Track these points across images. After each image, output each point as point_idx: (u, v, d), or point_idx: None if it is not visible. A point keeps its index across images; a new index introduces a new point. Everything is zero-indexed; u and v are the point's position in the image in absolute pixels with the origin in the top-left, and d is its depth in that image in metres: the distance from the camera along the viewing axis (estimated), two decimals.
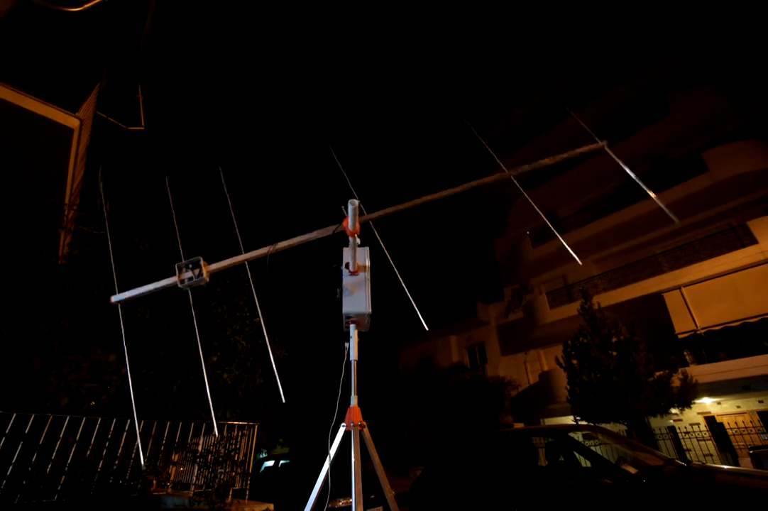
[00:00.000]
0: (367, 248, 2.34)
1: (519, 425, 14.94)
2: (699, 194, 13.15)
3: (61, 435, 3.76)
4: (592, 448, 4.16)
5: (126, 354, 2.26)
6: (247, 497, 4.60)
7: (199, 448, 4.69)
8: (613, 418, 9.26)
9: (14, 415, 3.56)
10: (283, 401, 2.14)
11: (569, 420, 11.74)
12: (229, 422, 5.01)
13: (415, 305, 2.40)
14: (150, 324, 5.22)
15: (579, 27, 19.44)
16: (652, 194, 2.12)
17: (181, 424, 4.69)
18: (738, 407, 11.60)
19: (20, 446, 3.52)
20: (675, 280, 12.75)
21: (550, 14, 21.57)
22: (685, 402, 9.29)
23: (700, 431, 10.98)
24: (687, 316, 12.20)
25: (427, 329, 2.48)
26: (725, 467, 5.13)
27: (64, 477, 3.67)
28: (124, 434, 4.17)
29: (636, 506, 2.99)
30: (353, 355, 2.11)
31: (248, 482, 4.73)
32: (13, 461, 3.45)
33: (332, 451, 1.87)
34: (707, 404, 11.96)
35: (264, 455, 15.86)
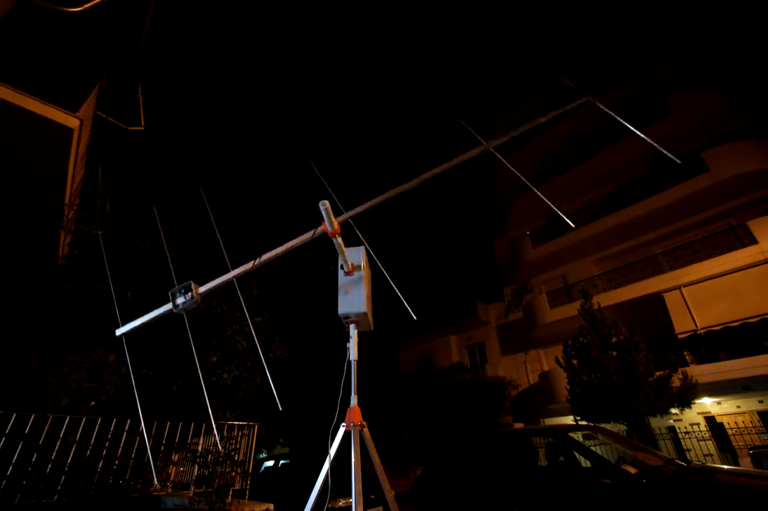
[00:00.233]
0: (362, 247, 2.34)
1: (519, 425, 14.94)
2: (699, 194, 13.15)
3: (61, 435, 3.76)
4: (592, 448, 4.16)
5: (127, 354, 2.26)
6: (247, 497, 4.60)
7: (199, 448, 4.69)
8: (613, 418, 9.26)
9: (14, 415, 3.56)
10: (280, 408, 2.15)
11: (569, 420, 11.74)
12: (229, 422, 5.01)
13: (400, 295, 2.41)
14: (150, 324, 5.21)
15: (579, 27, 19.44)
16: (639, 132, 2.04)
17: (181, 424, 4.69)
18: (738, 407, 11.60)
19: (20, 446, 3.52)
20: (675, 280, 12.75)
21: (550, 14, 21.56)
22: (685, 402, 9.29)
23: (700, 431, 10.98)
24: (687, 316, 12.20)
25: (415, 318, 2.48)
26: (725, 467, 5.13)
27: (64, 477, 3.67)
28: (124, 434, 4.17)
29: (636, 506, 2.99)
30: (353, 355, 2.11)
31: (248, 482, 4.73)
32: (13, 461, 3.45)
33: (332, 451, 1.87)
34: (707, 404, 11.96)
35: (264, 455, 15.86)
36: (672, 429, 11.91)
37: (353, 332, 2.19)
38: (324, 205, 1.96)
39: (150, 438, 4.36)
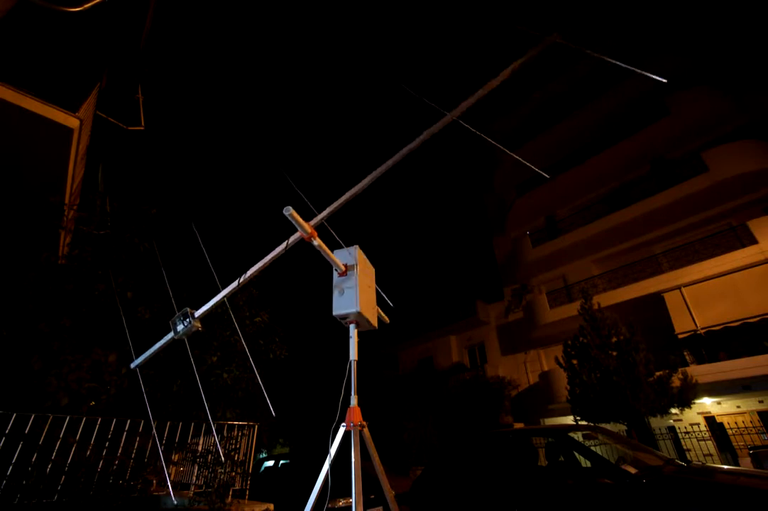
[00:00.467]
0: (355, 247, 2.34)
1: (519, 425, 14.93)
2: (699, 194, 13.15)
3: (61, 435, 3.76)
4: (592, 448, 4.16)
5: (141, 382, 2.26)
6: (247, 497, 4.60)
7: (199, 448, 4.69)
8: (613, 418, 9.26)
9: (14, 415, 3.56)
10: (273, 414, 2.18)
11: (569, 420, 11.73)
12: (229, 422, 5.01)
13: (380, 291, 2.42)
14: (150, 324, 5.21)
15: (579, 27, 19.44)
16: (614, 61, 1.96)
17: (181, 424, 4.69)
18: (738, 407, 11.60)
19: (20, 446, 3.52)
20: (675, 280, 12.75)
21: (550, 14, 21.57)
22: (685, 402, 9.28)
23: (700, 431, 10.98)
24: (687, 316, 12.20)
25: (391, 304, 2.50)
26: (725, 467, 5.13)
27: (64, 477, 3.67)
28: (124, 434, 4.17)
29: (636, 506, 2.99)
30: (353, 355, 2.11)
31: (248, 482, 4.73)
32: (13, 461, 3.45)
33: (332, 450, 1.87)
34: (707, 404, 11.96)
35: (264, 455, 15.86)
36: (672, 429, 11.91)
37: (353, 332, 2.19)
38: (288, 212, 1.93)
39: (150, 438, 4.36)
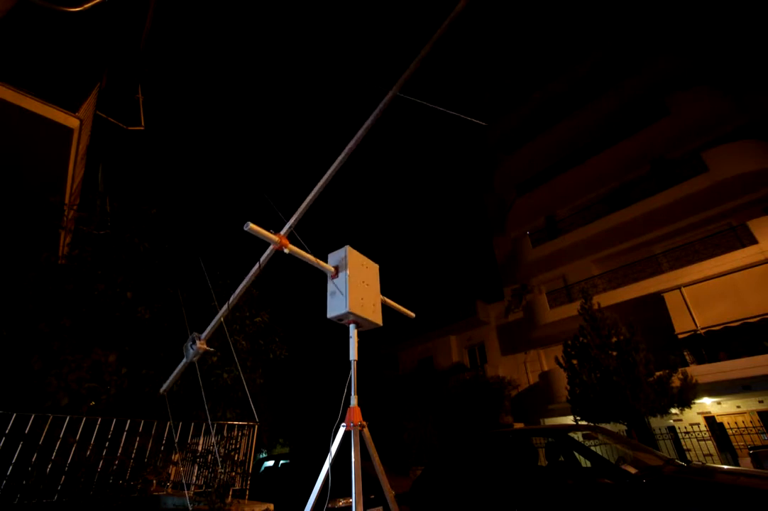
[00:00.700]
0: (345, 248, 2.35)
1: (519, 425, 14.93)
2: (699, 194, 13.15)
3: (61, 435, 3.75)
4: (592, 448, 4.16)
5: (169, 411, 2.27)
6: (247, 497, 4.60)
7: (199, 448, 4.69)
8: (613, 418, 9.26)
9: (14, 415, 3.56)
10: (257, 420, 2.27)
11: (569, 420, 11.73)
12: (229, 422, 5.01)
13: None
14: (150, 324, 5.22)
15: (579, 27, 19.44)
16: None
17: (181, 424, 4.69)
18: (738, 407, 11.60)
19: (20, 446, 3.52)
20: (675, 280, 12.75)
21: (550, 15, 21.57)
22: (685, 402, 9.28)
23: (700, 431, 10.98)
24: (687, 316, 12.20)
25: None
26: (725, 467, 5.13)
27: (64, 477, 3.67)
28: (124, 434, 4.17)
29: (636, 506, 2.99)
30: (353, 355, 2.11)
31: (248, 482, 4.73)
32: (13, 461, 3.45)
33: (332, 450, 1.88)
34: (707, 404, 11.96)
35: (264, 455, 15.86)
36: (672, 429, 11.91)
37: (353, 332, 2.19)
38: (247, 227, 1.97)
39: (150, 438, 4.36)
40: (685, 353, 12.02)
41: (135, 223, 5.40)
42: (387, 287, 2.53)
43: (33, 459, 3.56)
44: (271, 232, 2.08)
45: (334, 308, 2.16)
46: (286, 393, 17.42)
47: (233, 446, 4.59)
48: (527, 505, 3.55)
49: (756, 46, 13.67)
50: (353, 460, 1.79)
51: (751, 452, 9.21)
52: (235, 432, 4.94)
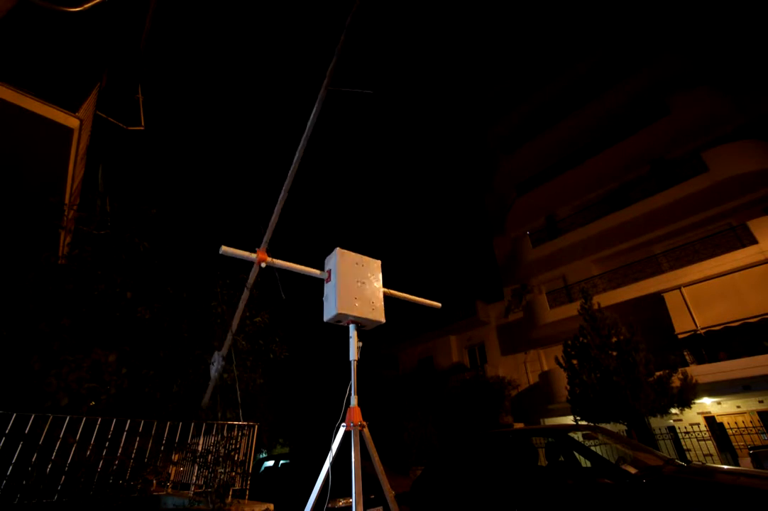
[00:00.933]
0: (335, 250, 2.37)
1: (519, 425, 14.93)
2: (699, 194, 13.15)
3: (61, 435, 3.75)
4: (592, 448, 4.16)
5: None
6: (247, 497, 4.59)
7: (199, 448, 4.68)
8: (613, 418, 9.26)
9: (14, 415, 3.56)
10: (241, 420, 2.34)
11: (569, 420, 11.73)
12: (229, 422, 5.01)
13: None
14: (150, 324, 5.22)
15: (580, 27, 19.44)
16: None
17: (181, 424, 4.68)
18: (738, 407, 11.60)
19: (20, 446, 3.52)
20: (675, 280, 12.75)
21: (551, 15, 21.57)
22: (685, 402, 9.28)
23: (700, 431, 10.98)
24: (687, 316, 12.20)
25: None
26: (725, 467, 5.13)
27: (64, 477, 3.66)
28: (124, 434, 4.16)
29: (636, 506, 2.99)
30: (353, 355, 2.11)
31: (248, 482, 4.72)
32: (13, 461, 3.45)
33: (332, 449, 1.88)
34: (707, 404, 11.96)
35: (264, 455, 15.86)
36: (672, 429, 11.91)
37: (353, 332, 2.19)
38: (222, 252, 2.10)
39: (150, 438, 4.36)
40: (685, 353, 12.02)
41: (135, 223, 5.40)
42: (387, 287, 2.52)
43: (33, 459, 3.56)
44: (249, 252, 2.14)
45: (327, 312, 2.18)
46: (287, 393, 17.42)
47: (233, 446, 4.59)
48: (527, 505, 3.55)
49: (756, 47, 13.67)
50: (353, 460, 1.79)
51: (751, 452, 9.20)
52: (235, 432, 4.93)
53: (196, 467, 4.51)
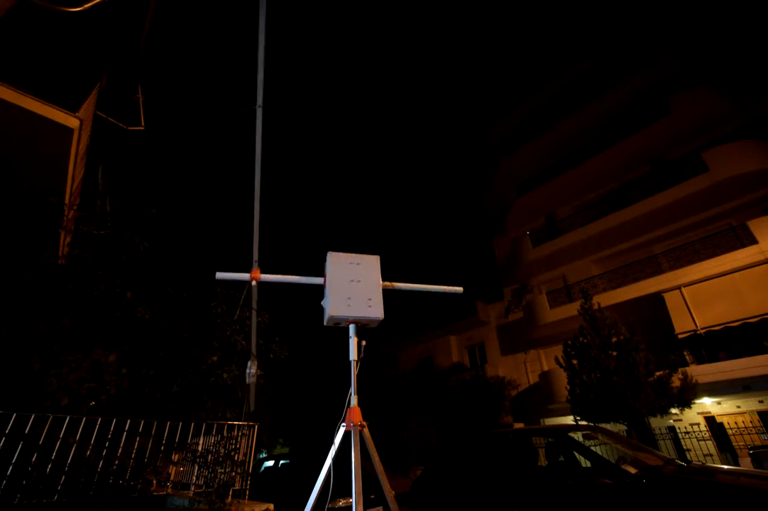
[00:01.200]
0: (328, 256, 2.38)
1: (519, 425, 14.93)
2: (699, 194, 13.15)
3: (61, 435, 3.75)
4: (592, 448, 4.16)
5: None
6: (247, 497, 4.60)
7: (199, 448, 4.68)
8: (613, 418, 9.26)
9: (14, 415, 3.56)
10: (242, 419, 2.42)
11: (569, 420, 11.73)
12: (229, 422, 5.01)
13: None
14: (150, 324, 5.22)
15: (580, 27, 19.44)
16: None
17: (181, 424, 4.68)
18: (738, 407, 11.60)
19: (20, 446, 3.52)
20: (675, 280, 12.75)
21: (550, 15, 21.57)
22: (685, 402, 9.28)
23: (700, 431, 10.98)
24: (687, 316, 12.20)
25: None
26: (725, 467, 5.13)
27: (64, 477, 3.66)
28: (124, 434, 4.17)
29: (636, 506, 2.99)
30: (353, 355, 2.11)
31: (248, 482, 4.73)
32: (13, 461, 3.45)
33: (332, 450, 1.88)
34: (707, 404, 11.96)
35: (264, 455, 15.86)
36: (672, 429, 11.91)
37: (353, 332, 2.19)
38: (218, 277, 2.30)
39: (150, 438, 4.36)
40: (685, 353, 12.03)
41: (135, 223, 5.40)
42: (387, 289, 2.51)
43: (33, 459, 3.56)
44: (243, 273, 2.31)
45: (325, 315, 2.20)
46: (287, 393, 17.42)
47: (233, 446, 4.59)
48: (527, 505, 3.55)
49: (756, 47, 13.66)
50: (353, 460, 1.79)
51: (751, 452, 9.21)
52: (235, 432, 4.93)
53: (196, 467, 4.52)
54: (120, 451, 4.10)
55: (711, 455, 10.84)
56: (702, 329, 11.80)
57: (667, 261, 13.62)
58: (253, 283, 2.33)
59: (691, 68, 15.23)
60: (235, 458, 4.52)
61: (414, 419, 14.41)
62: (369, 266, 2.40)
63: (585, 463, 3.98)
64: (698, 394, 10.04)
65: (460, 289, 2.57)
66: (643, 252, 15.00)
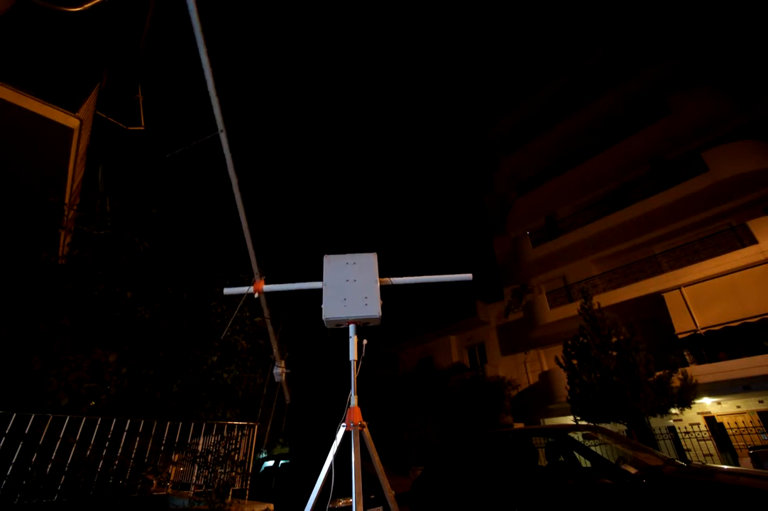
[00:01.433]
0: (324, 259, 2.41)
1: (519, 425, 14.93)
2: (699, 194, 13.15)
3: (61, 435, 3.76)
4: (592, 448, 4.16)
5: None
6: (247, 497, 4.60)
7: (199, 448, 4.69)
8: (613, 418, 9.25)
9: (14, 415, 3.56)
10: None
11: (569, 420, 11.73)
12: (229, 422, 5.01)
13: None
14: (150, 324, 5.22)
15: (580, 27, 19.44)
16: None
17: (181, 424, 4.68)
18: (738, 407, 11.60)
19: (20, 446, 3.52)
20: (675, 280, 12.75)
21: (550, 15, 21.57)
22: (685, 402, 9.28)
23: (700, 431, 10.98)
24: (687, 316, 12.20)
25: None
26: (725, 467, 5.13)
27: (64, 477, 3.67)
28: (124, 434, 4.17)
29: (636, 506, 2.99)
30: (353, 355, 2.11)
31: (248, 482, 4.73)
32: (13, 461, 3.45)
33: (332, 450, 1.88)
34: (707, 404, 11.96)
35: (264, 455, 15.87)
36: (672, 429, 11.91)
37: (353, 332, 2.19)
38: (226, 292, 2.51)
39: (150, 438, 4.36)
40: (685, 353, 12.02)
41: (135, 223, 5.40)
42: (387, 287, 2.51)
43: (33, 459, 3.56)
44: (248, 284, 2.44)
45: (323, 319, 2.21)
46: (288, 393, 17.39)
47: (233, 446, 4.59)
48: (527, 505, 3.55)
49: (756, 47, 13.67)
50: (353, 460, 1.79)
51: (751, 452, 9.21)
52: (235, 432, 4.94)
53: (196, 467, 4.52)
54: (120, 451, 4.10)
55: (711, 455, 10.84)
56: (702, 329, 11.80)
57: (667, 261, 13.62)
58: (256, 295, 2.42)
59: (692, 68, 15.22)
60: (235, 458, 4.52)
61: (414, 419, 14.40)
62: (365, 264, 2.39)
63: (585, 463, 3.98)
64: (698, 394, 10.03)
65: (469, 275, 2.49)
66: (643, 252, 14.99)
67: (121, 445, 4.13)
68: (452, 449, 5.09)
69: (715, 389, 11.04)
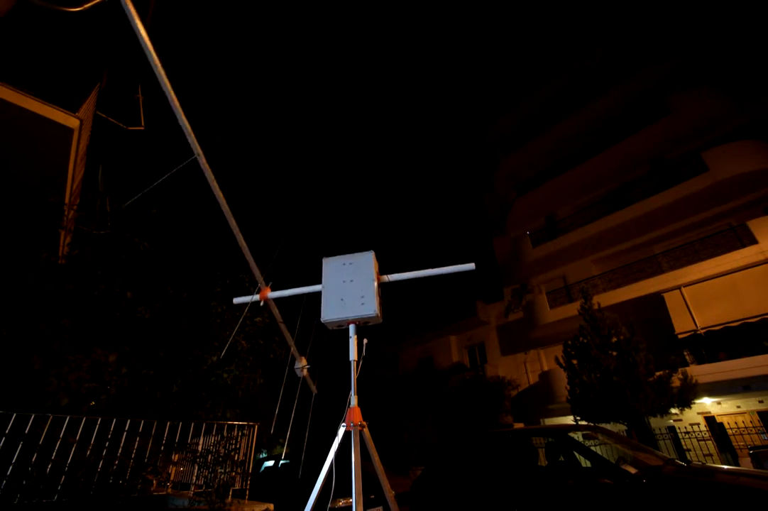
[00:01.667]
0: (323, 262, 2.44)
1: (519, 425, 14.93)
2: (699, 194, 13.15)
3: (61, 435, 3.76)
4: (592, 448, 4.16)
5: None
6: (247, 497, 4.60)
7: (199, 448, 4.69)
8: (613, 418, 9.25)
9: (14, 415, 3.56)
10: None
11: (569, 420, 11.73)
12: (229, 422, 5.01)
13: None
14: (150, 324, 5.22)
15: (579, 27, 19.44)
16: None
17: (181, 424, 4.68)
18: (738, 407, 11.60)
19: (20, 446, 3.52)
20: (675, 280, 12.75)
21: (550, 15, 21.57)
22: (685, 402, 9.28)
23: (700, 431, 10.98)
24: (687, 316, 12.20)
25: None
26: (725, 467, 5.13)
27: (64, 477, 3.67)
28: (124, 434, 4.17)
29: (636, 506, 2.99)
30: (353, 355, 2.11)
31: (248, 482, 4.73)
32: (13, 461, 3.45)
33: (332, 450, 1.88)
34: (707, 404, 11.96)
35: (264, 455, 15.86)
36: (672, 429, 11.91)
37: (352, 332, 2.19)
38: (235, 302, 2.68)
39: (150, 438, 4.36)
40: (685, 353, 12.02)
41: (135, 223, 5.40)
42: (388, 287, 2.51)
43: (33, 459, 3.56)
44: (255, 292, 2.57)
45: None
46: (287, 393, 17.40)
47: (233, 446, 4.59)
48: (527, 505, 3.55)
49: (756, 47, 13.67)
50: (353, 460, 1.79)
51: (751, 452, 9.20)
52: (235, 432, 4.94)
53: (196, 467, 4.52)
54: (120, 451, 4.10)
55: (711, 455, 10.84)
56: (702, 329, 11.80)
57: (667, 261, 13.62)
58: (261, 303, 2.56)
59: (692, 68, 15.22)
60: (235, 458, 4.52)
61: (414, 419, 14.40)
62: (362, 263, 2.38)
63: (585, 463, 3.98)
64: (698, 394, 10.03)
65: (472, 265, 2.38)
66: (643, 252, 14.99)
67: (121, 445, 4.13)
68: (452, 449, 5.09)
69: (715, 389, 11.04)
